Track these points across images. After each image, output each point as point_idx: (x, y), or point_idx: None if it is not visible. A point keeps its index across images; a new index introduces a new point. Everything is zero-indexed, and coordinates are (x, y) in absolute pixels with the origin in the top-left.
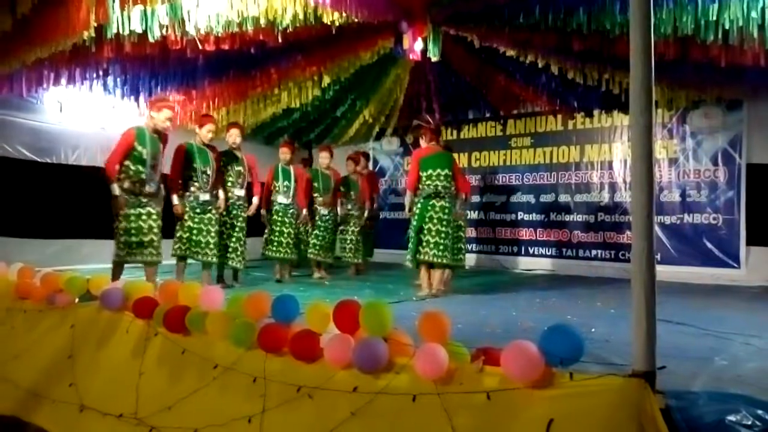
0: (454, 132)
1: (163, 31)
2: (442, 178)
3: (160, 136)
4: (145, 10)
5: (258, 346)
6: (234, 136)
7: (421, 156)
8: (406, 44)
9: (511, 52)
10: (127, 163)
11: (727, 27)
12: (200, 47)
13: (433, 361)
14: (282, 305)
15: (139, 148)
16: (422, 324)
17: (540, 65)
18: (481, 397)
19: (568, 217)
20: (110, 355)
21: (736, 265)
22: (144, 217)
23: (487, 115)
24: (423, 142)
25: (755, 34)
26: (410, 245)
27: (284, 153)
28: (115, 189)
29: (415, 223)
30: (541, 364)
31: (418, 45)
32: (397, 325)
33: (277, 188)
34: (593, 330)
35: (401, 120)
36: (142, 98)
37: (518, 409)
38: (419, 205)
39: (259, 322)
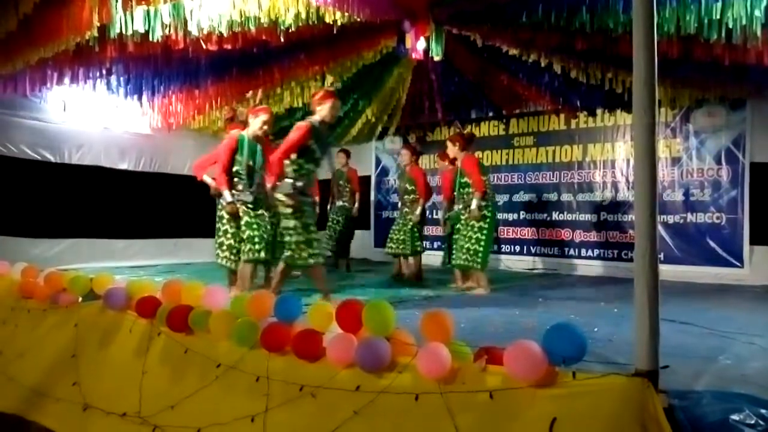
0: (457, 131)
1: (166, 31)
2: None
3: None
4: (148, 11)
5: (261, 346)
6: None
7: (479, 160)
8: (408, 43)
9: (513, 51)
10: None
11: (730, 26)
12: (204, 47)
13: (435, 360)
14: (285, 305)
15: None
16: (425, 323)
17: (543, 64)
18: (483, 397)
19: (570, 216)
20: (113, 354)
21: (739, 265)
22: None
23: (490, 114)
24: (457, 151)
25: (759, 33)
26: (485, 249)
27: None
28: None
29: (488, 227)
30: (543, 364)
31: (421, 44)
32: (399, 324)
33: None
34: (596, 329)
35: (404, 119)
36: (145, 97)
37: (521, 408)
38: (491, 209)
39: (262, 322)
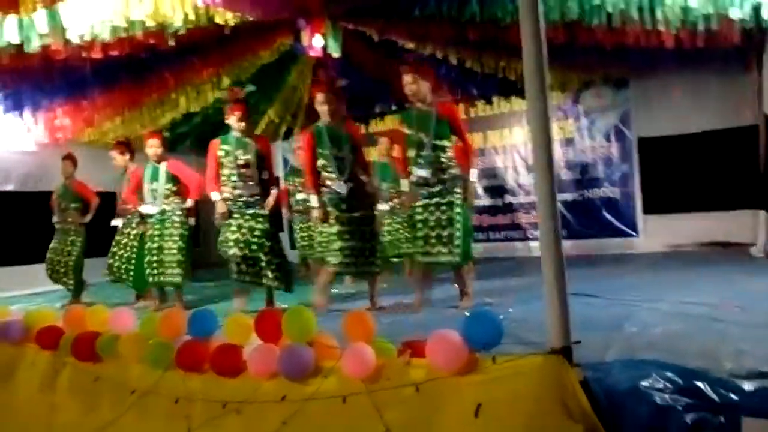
0: (362, 126)
1: (44, 41)
2: None
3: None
4: (21, 20)
5: (176, 366)
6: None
7: None
8: (304, 41)
9: (410, 45)
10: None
11: (610, 10)
12: (87, 55)
13: (360, 360)
14: (199, 321)
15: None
16: (347, 324)
17: (439, 56)
18: (409, 390)
19: (476, 202)
20: (16, 391)
21: (634, 234)
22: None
23: (393, 108)
24: None
25: (636, 16)
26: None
27: (151, 146)
28: None
29: None
30: (464, 351)
31: (317, 41)
32: (320, 328)
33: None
34: (510, 310)
35: (308, 118)
36: (27, 113)
37: (446, 397)
38: None
39: (176, 341)
